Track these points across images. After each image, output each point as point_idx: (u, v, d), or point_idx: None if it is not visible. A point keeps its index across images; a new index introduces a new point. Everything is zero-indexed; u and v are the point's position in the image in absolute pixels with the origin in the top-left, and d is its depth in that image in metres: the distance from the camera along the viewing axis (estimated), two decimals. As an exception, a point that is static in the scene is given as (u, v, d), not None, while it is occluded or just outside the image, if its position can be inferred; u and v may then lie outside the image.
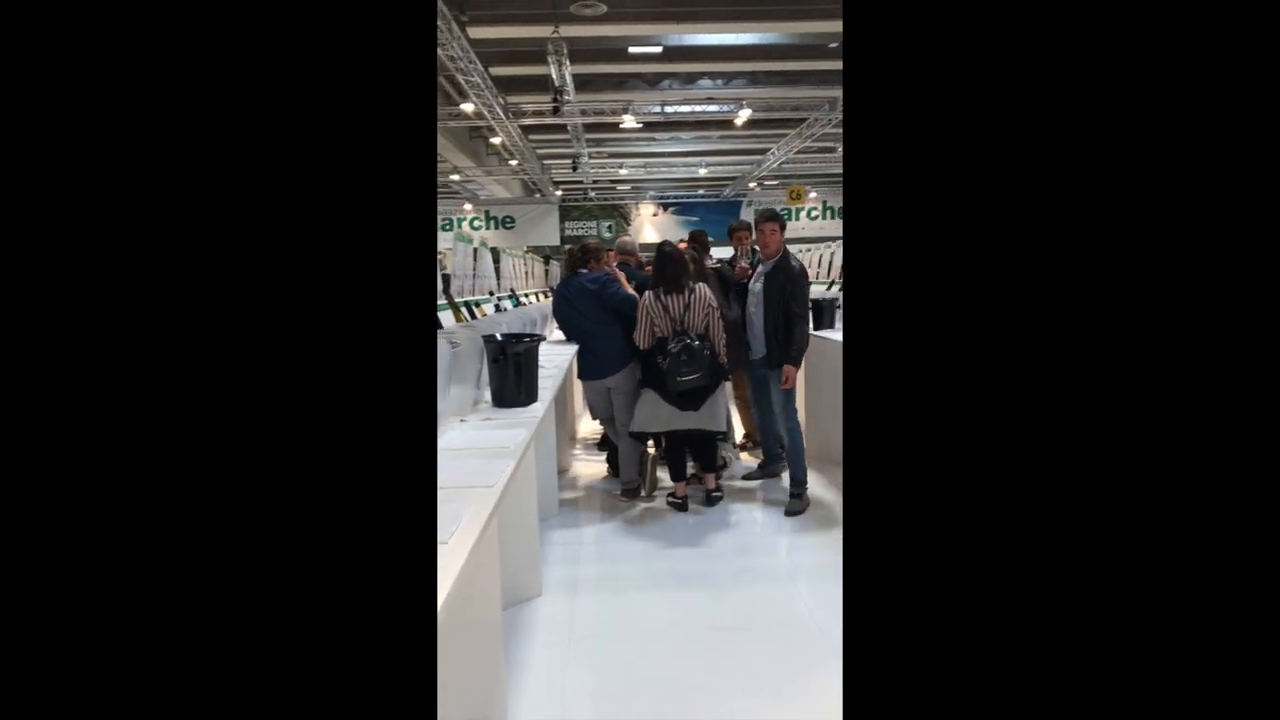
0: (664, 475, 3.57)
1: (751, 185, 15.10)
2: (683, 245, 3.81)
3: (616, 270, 3.67)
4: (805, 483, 3.29)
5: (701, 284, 3.24)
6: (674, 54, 7.93)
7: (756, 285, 3.28)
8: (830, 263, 5.10)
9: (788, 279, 3.14)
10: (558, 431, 3.52)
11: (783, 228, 3.29)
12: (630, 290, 3.50)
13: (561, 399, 3.80)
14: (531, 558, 2.51)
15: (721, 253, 4.65)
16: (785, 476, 3.47)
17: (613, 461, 3.83)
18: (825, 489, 3.48)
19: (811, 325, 3.50)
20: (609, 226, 15.43)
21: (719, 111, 9.69)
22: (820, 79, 8.77)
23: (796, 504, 3.25)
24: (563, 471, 3.89)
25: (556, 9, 6.22)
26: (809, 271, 3.74)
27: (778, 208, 16.48)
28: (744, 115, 9.45)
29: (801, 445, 3.28)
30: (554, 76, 7.15)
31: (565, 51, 6.91)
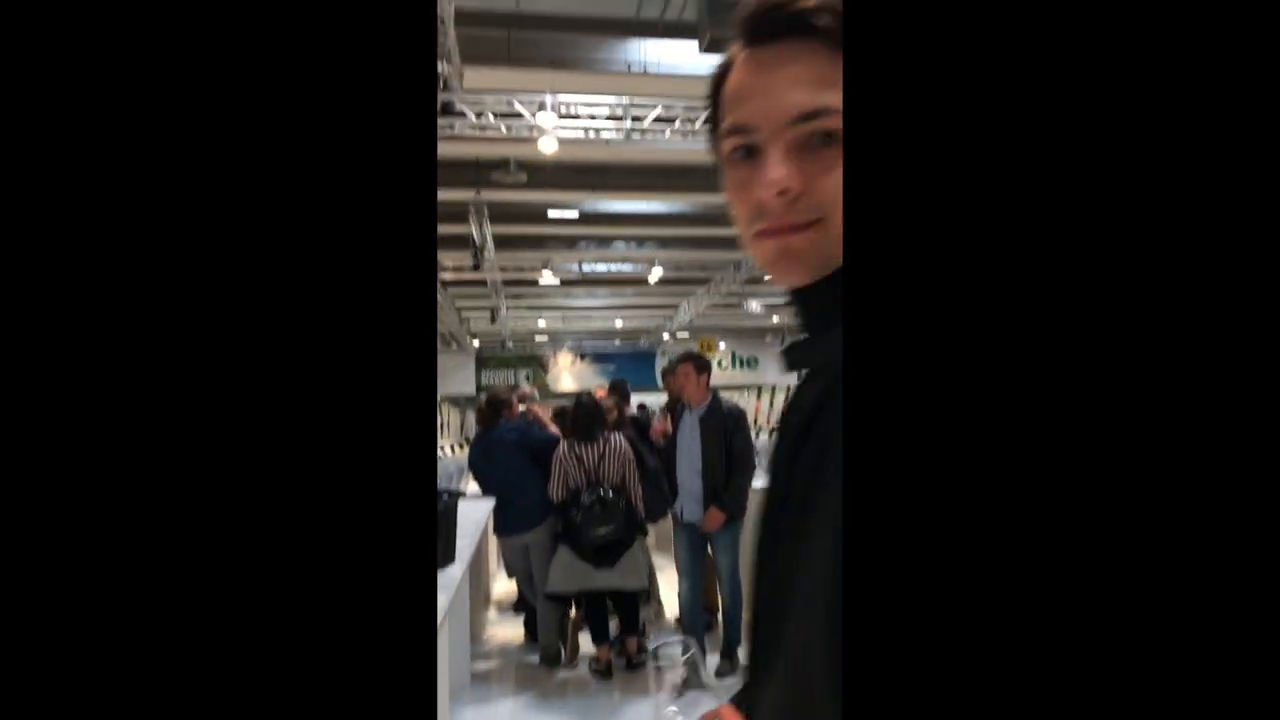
0: (586, 639, 3.36)
1: (665, 337, 15.76)
2: (600, 393, 3.86)
3: (537, 412, 3.65)
4: (739, 642, 3.15)
5: (617, 434, 3.23)
6: (590, 218, 8.50)
7: (688, 437, 2.96)
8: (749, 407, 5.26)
9: (728, 417, 2.92)
10: (471, 593, 3.29)
11: (702, 370, 2.99)
12: (556, 430, 3.47)
13: (475, 557, 3.60)
14: (438, 745, 2.24)
15: (651, 399, 4.71)
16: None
17: (530, 625, 3.58)
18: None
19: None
20: (527, 375, 15.52)
21: (633, 271, 10.29)
22: (724, 244, 9.54)
23: (727, 665, 3.08)
24: (475, 638, 3.59)
25: (479, 175, 6.62)
26: None
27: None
28: (656, 274, 10.06)
29: (742, 606, 3.11)
30: (475, 236, 7.46)
31: (486, 213, 7.27)
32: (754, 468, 2.97)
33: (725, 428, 2.91)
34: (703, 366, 3.03)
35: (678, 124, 5.54)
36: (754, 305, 13.57)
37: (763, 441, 4.26)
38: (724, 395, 3.16)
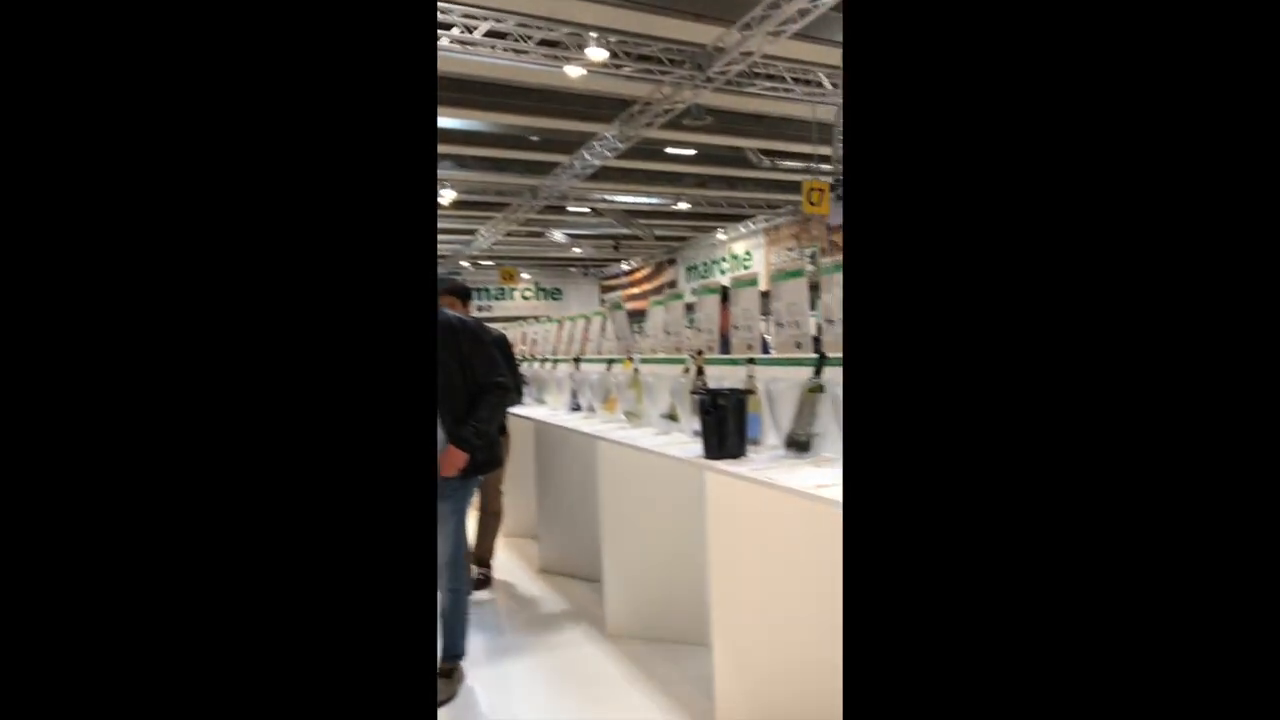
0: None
1: (464, 264, 15.08)
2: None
3: None
4: (463, 654, 2.24)
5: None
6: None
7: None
8: (539, 339, 5.17)
9: (463, 333, 2.17)
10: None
11: (463, 298, 2.80)
12: None
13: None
14: None
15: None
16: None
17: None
18: (518, 565, 3.43)
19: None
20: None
21: (426, 191, 9.56)
22: (524, 168, 9.20)
23: (446, 686, 2.16)
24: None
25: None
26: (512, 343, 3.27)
27: (492, 288, 16.41)
28: (448, 196, 9.48)
29: (466, 608, 2.24)
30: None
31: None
32: (504, 391, 2.26)
33: (460, 348, 2.15)
34: (461, 294, 2.84)
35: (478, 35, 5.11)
36: (557, 235, 13.41)
37: (557, 372, 4.20)
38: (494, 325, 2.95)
